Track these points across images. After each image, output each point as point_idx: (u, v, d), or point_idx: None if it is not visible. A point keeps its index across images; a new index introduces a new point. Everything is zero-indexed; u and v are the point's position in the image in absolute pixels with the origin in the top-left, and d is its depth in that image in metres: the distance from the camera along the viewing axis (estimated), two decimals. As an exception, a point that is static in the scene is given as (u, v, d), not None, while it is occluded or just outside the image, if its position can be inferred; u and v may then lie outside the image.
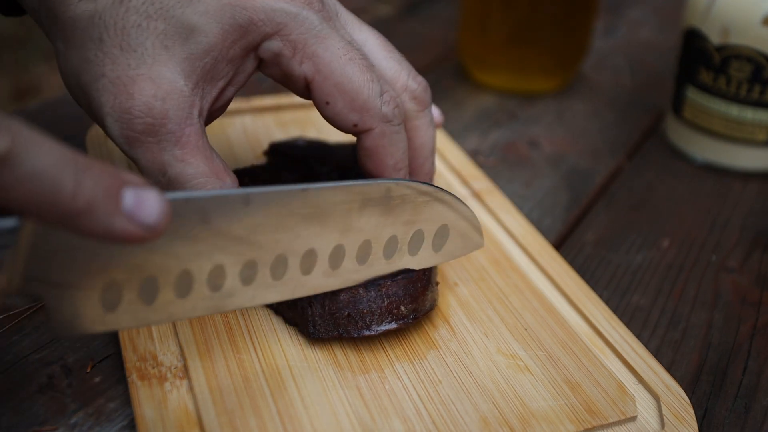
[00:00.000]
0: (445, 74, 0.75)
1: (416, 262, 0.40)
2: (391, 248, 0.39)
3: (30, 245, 0.27)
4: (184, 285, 0.33)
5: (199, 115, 0.36)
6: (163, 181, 0.35)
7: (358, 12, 0.88)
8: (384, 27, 0.87)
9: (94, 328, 0.31)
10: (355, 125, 0.39)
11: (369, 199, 0.36)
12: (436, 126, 0.44)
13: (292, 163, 0.47)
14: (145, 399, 0.35)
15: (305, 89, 0.39)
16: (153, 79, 0.35)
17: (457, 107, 0.70)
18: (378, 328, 0.39)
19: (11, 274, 0.26)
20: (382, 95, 0.39)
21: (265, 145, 0.51)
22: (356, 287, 0.39)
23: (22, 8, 0.40)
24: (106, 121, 0.35)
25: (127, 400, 0.37)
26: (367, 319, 0.38)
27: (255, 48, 0.37)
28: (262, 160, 0.48)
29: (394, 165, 0.40)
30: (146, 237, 0.27)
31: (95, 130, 0.54)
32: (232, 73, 0.38)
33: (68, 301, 0.29)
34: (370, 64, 0.39)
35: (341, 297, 0.38)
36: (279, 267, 0.35)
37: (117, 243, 0.27)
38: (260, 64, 0.39)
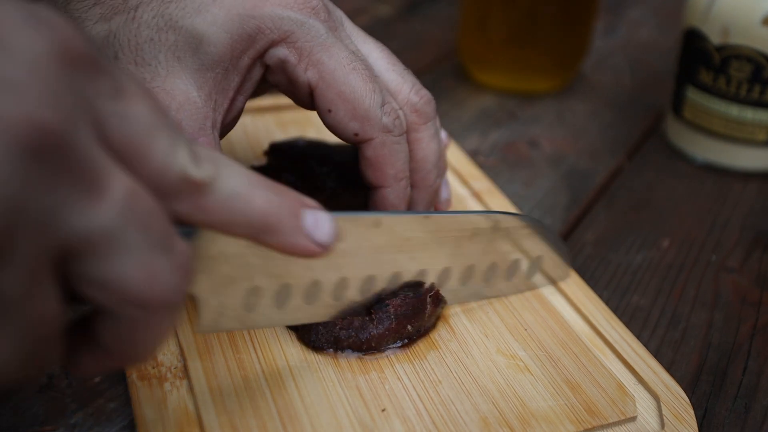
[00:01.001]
0: (445, 74, 0.75)
1: (509, 289, 0.43)
2: (491, 273, 0.42)
3: (195, 253, 0.30)
4: (313, 293, 0.36)
5: (213, 126, 0.37)
6: None
7: (358, 12, 0.87)
8: (384, 27, 0.87)
9: (235, 326, 0.35)
10: (356, 134, 0.39)
11: (478, 229, 0.40)
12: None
13: (291, 164, 0.47)
14: (145, 399, 0.35)
15: (309, 97, 0.39)
16: (167, 91, 0.36)
17: (457, 107, 0.70)
18: (384, 347, 0.39)
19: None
20: (383, 106, 0.39)
21: (265, 146, 0.51)
22: (361, 316, 0.39)
23: None
24: None
25: (127, 400, 0.37)
26: (372, 343, 0.38)
27: (261, 55, 0.38)
28: (262, 160, 0.48)
29: (394, 175, 0.40)
30: (321, 253, 0.30)
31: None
32: (240, 81, 0.38)
33: (215, 301, 0.33)
34: (374, 75, 0.39)
35: (345, 322, 0.38)
36: (394, 281, 0.39)
37: (296, 256, 0.30)
38: (265, 72, 0.39)
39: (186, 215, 0.27)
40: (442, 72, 0.76)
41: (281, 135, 0.57)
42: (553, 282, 0.45)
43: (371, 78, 0.39)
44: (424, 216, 0.38)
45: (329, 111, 0.39)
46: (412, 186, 0.42)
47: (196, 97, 0.36)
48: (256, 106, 0.60)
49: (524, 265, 0.43)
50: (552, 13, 0.69)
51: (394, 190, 0.41)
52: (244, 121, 0.58)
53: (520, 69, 0.72)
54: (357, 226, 0.36)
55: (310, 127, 0.59)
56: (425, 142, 0.42)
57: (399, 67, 0.43)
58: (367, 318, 0.38)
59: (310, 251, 0.30)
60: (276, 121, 0.59)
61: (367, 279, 0.38)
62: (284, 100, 0.61)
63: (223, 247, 0.31)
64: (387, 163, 0.40)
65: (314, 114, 0.60)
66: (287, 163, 0.47)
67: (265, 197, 0.28)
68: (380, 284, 0.39)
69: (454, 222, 0.39)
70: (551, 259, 0.44)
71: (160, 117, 0.25)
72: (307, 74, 0.38)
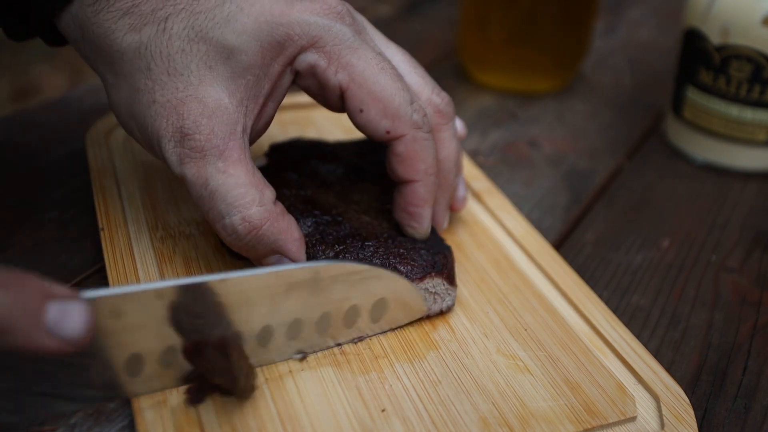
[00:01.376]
0: (445, 74, 0.75)
1: (354, 333, 0.40)
2: (324, 323, 0.38)
3: None
4: (168, 359, 0.35)
5: (243, 131, 0.38)
6: (205, 194, 0.37)
7: (359, 12, 0.88)
8: (384, 27, 0.87)
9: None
10: (388, 132, 0.40)
11: (294, 283, 0.36)
12: (459, 137, 0.46)
13: (293, 164, 0.47)
14: (145, 399, 0.35)
15: (339, 99, 0.40)
16: (200, 99, 0.37)
17: (457, 107, 0.70)
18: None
19: None
20: (412, 104, 0.40)
21: (265, 146, 0.51)
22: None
23: (65, 39, 0.41)
24: (162, 143, 0.37)
25: (127, 400, 0.37)
26: None
27: (291, 62, 0.39)
28: (263, 161, 0.48)
29: (425, 170, 0.41)
30: (69, 349, 0.28)
31: (95, 130, 0.54)
32: (270, 88, 0.39)
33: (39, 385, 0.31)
34: (400, 74, 0.40)
35: None
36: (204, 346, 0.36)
37: (46, 355, 0.27)
38: (295, 77, 0.40)
39: None
40: (442, 72, 0.76)
41: (281, 135, 0.57)
42: (409, 320, 0.41)
43: (399, 77, 0.40)
44: (219, 280, 0.34)
45: (361, 111, 0.39)
46: None
47: (227, 104, 0.37)
48: (256, 106, 0.60)
49: (365, 310, 0.39)
50: (552, 13, 0.69)
51: (424, 184, 0.41)
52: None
53: (520, 69, 0.72)
54: (136, 302, 0.32)
55: (310, 126, 0.59)
56: (447, 141, 0.44)
57: (420, 69, 0.44)
58: None
59: (52, 350, 0.28)
60: (276, 121, 0.59)
61: (167, 350, 0.34)
62: (284, 100, 0.61)
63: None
64: (418, 158, 0.41)
65: (314, 114, 0.60)
66: (288, 163, 0.47)
67: None
68: (180, 357, 0.35)
69: (257, 281, 0.35)
70: (399, 298, 0.40)
71: None
72: (337, 77, 0.39)
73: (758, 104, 0.58)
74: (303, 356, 0.38)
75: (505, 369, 0.39)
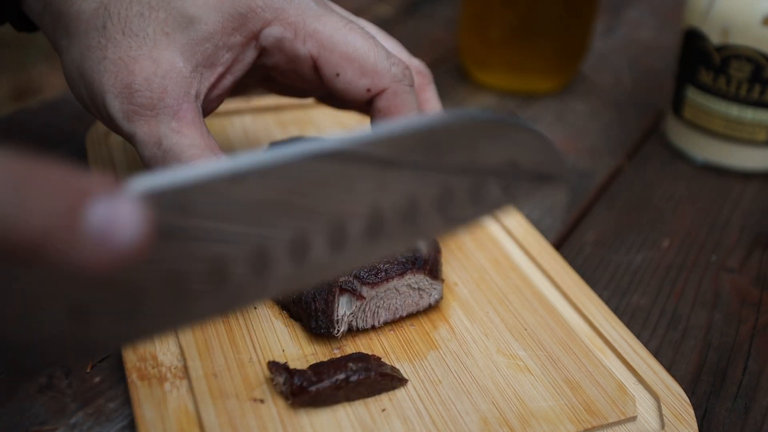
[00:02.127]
0: (445, 74, 0.75)
1: (486, 211, 0.30)
2: (446, 201, 0.29)
3: None
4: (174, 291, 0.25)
5: (196, 96, 0.37)
6: (159, 153, 0.36)
7: (358, 12, 0.88)
8: (384, 27, 0.87)
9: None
10: (369, 89, 0.39)
11: (404, 146, 0.27)
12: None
13: None
14: (145, 399, 0.35)
15: (312, 69, 0.39)
16: (153, 59, 0.36)
17: (457, 107, 0.70)
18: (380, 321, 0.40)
19: None
20: (389, 58, 0.39)
21: (265, 145, 0.51)
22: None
23: (34, 24, 0.41)
24: (107, 98, 0.36)
25: (127, 400, 0.37)
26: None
27: (256, 36, 0.38)
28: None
29: None
30: (121, 264, 0.20)
31: (95, 130, 0.54)
32: (231, 60, 0.38)
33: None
34: (371, 34, 0.40)
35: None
36: (301, 250, 0.27)
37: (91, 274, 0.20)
38: (262, 55, 0.39)
39: None
40: (442, 72, 0.76)
41: (281, 134, 0.57)
42: (553, 192, 0.30)
43: (370, 35, 0.39)
44: (313, 156, 0.25)
45: (337, 75, 0.39)
46: None
47: (182, 67, 0.37)
48: (256, 106, 0.60)
49: (494, 179, 0.29)
50: (552, 13, 0.69)
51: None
52: (244, 120, 0.58)
53: (520, 69, 0.72)
54: (207, 191, 0.23)
55: (310, 126, 0.59)
56: (432, 102, 0.44)
57: (392, 39, 0.44)
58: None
59: (102, 266, 0.20)
60: (276, 121, 0.59)
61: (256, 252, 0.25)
62: (284, 100, 0.61)
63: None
64: (401, 112, 0.40)
65: (314, 114, 0.60)
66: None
67: (16, 198, 0.18)
68: (280, 256, 0.25)
69: (360, 150, 0.26)
70: (534, 159, 0.30)
71: None
72: (306, 46, 0.38)
73: (758, 104, 0.58)
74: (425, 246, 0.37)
75: (506, 369, 0.39)
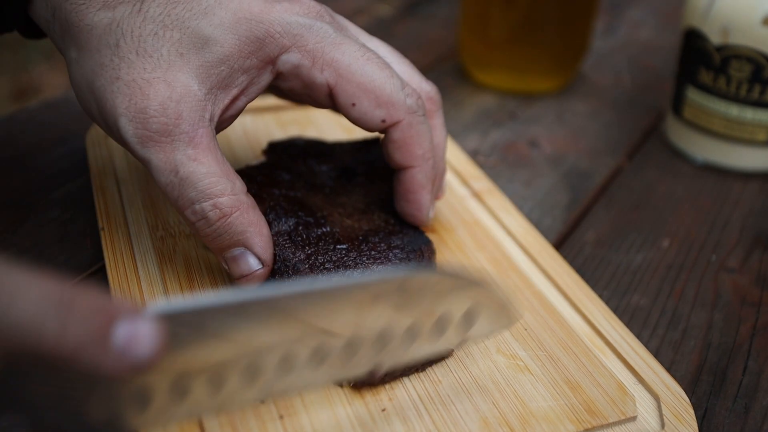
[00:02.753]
0: (445, 74, 0.75)
1: (442, 345, 0.35)
2: (411, 336, 0.34)
3: None
4: (180, 389, 0.29)
5: (211, 119, 0.37)
6: (175, 181, 0.36)
7: (358, 12, 0.87)
8: (384, 27, 0.87)
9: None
10: (383, 120, 0.39)
11: (381, 294, 0.32)
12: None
13: (290, 162, 0.47)
14: (145, 399, 0.35)
15: (327, 97, 0.40)
16: (168, 82, 0.36)
17: (457, 107, 0.70)
18: None
19: None
20: (403, 88, 0.40)
21: (264, 145, 0.51)
22: None
23: (41, 32, 0.41)
24: (120, 122, 0.36)
25: (127, 400, 0.37)
26: None
27: (273, 61, 0.38)
28: (261, 159, 0.48)
29: (422, 155, 0.41)
30: (140, 371, 0.25)
31: (95, 130, 0.54)
32: (246, 83, 0.38)
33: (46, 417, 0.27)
34: (387, 63, 0.40)
35: None
36: (285, 366, 0.31)
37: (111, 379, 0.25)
38: (278, 78, 0.39)
39: None
40: (442, 72, 0.76)
41: (281, 134, 0.57)
42: (502, 329, 0.36)
43: (387, 65, 0.40)
44: (302, 294, 0.30)
45: (353, 105, 0.39)
46: None
47: (196, 90, 0.36)
48: (256, 106, 0.60)
49: (454, 321, 0.34)
50: (552, 13, 0.69)
51: (422, 170, 0.41)
52: (244, 120, 0.58)
53: (520, 69, 0.72)
54: (215, 317, 0.28)
55: (309, 126, 0.59)
56: (439, 128, 0.44)
57: (405, 61, 0.44)
58: None
59: (122, 372, 0.25)
60: (276, 121, 0.59)
61: (250, 366, 0.30)
62: (284, 100, 0.61)
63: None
64: (415, 143, 0.40)
65: (314, 114, 0.60)
66: (286, 162, 0.47)
67: (57, 320, 0.23)
68: (269, 368, 0.30)
69: (344, 294, 0.31)
70: (489, 306, 0.35)
71: None
72: (324, 74, 0.38)
73: (758, 104, 0.58)
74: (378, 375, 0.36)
75: (506, 369, 0.39)
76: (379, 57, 0.40)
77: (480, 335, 0.36)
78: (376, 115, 0.39)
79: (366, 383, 0.36)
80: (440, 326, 0.35)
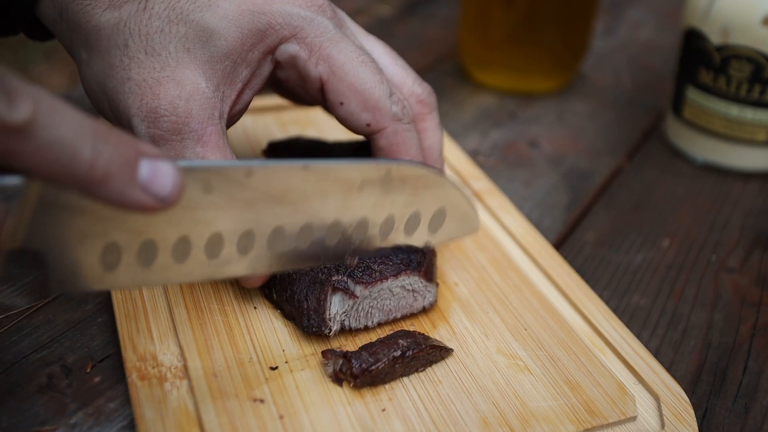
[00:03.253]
0: (445, 74, 0.75)
1: (412, 241, 0.40)
2: (387, 227, 0.38)
3: (34, 202, 0.27)
4: (182, 251, 0.33)
5: (220, 117, 0.38)
6: None
7: (358, 12, 0.87)
8: (384, 27, 0.87)
9: (93, 286, 0.31)
10: (369, 125, 0.40)
11: (368, 179, 0.36)
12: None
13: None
14: (145, 399, 0.35)
15: (319, 91, 0.40)
16: (177, 81, 0.37)
17: (457, 107, 0.70)
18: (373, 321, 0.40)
19: (16, 227, 0.27)
20: (391, 96, 0.40)
21: (264, 145, 0.51)
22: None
23: (48, 32, 0.41)
24: (133, 122, 0.37)
25: (127, 400, 0.37)
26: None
27: (272, 51, 0.39)
28: (261, 157, 0.48)
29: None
30: (160, 208, 0.28)
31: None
32: (249, 75, 0.39)
33: (69, 258, 0.30)
34: (380, 68, 0.41)
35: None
36: (276, 239, 0.35)
37: (132, 212, 0.27)
38: (275, 67, 0.40)
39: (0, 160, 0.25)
40: (442, 72, 0.76)
41: (281, 134, 0.57)
42: (464, 234, 0.41)
43: (379, 70, 0.40)
44: (302, 166, 0.34)
45: (341, 103, 0.40)
46: None
47: (204, 88, 0.37)
48: (257, 106, 0.60)
49: (425, 218, 0.39)
50: (552, 13, 0.69)
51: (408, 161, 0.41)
52: (245, 120, 0.58)
53: (520, 69, 0.72)
54: (225, 177, 0.32)
55: (309, 126, 0.59)
56: (431, 131, 0.44)
57: (401, 62, 0.44)
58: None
59: (145, 206, 0.27)
60: (276, 121, 0.59)
61: (245, 234, 0.34)
62: (284, 100, 0.61)
63: (68, 199, 0.28)
64: (401, 151, 0.41)
65: (314, 114, 0.60)
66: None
67: (92, 146, 0.26)
68: (260, 240, 0.35)
69: (337, 172, 0.35)
70: (456, 211, 0.40)
71: None
72: (318, 68, 0.39)
73: (758, 104, 0.58)
74: (356, 260, 0.38)
75: (506, 369, 0.39)
76: (373, 61, 0.40)
77: (443, 237, 0.40)
78: (362, 117, 0.40)
79: (364, 379, 0.36)
80: (413, 221, 0.39)
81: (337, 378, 0.37)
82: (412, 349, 0.37)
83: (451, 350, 0.39)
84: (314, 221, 0.36)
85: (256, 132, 0.57)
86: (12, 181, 0.26)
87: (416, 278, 0.40)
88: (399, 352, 0.37)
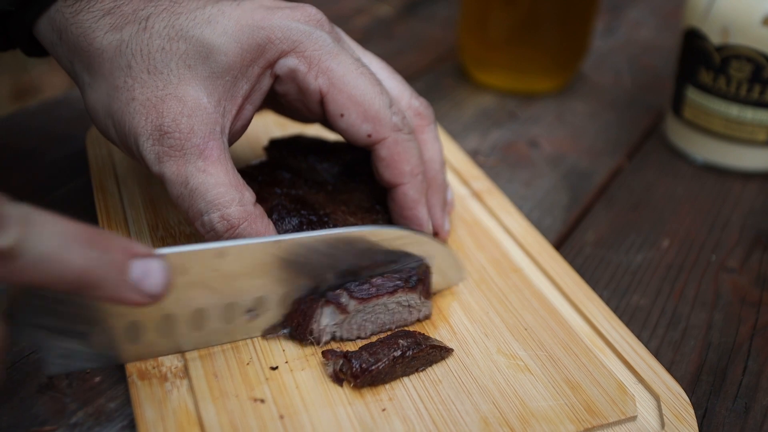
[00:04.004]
0: (445, 74, 0.75)
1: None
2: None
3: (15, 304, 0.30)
4: (166, 327, 0.36)
5: (222, 132, 0.38)
6: (185, 192, 0.37)
7: (358, 12, 0.87)
8: (384, 27, 0.87)
9: (89, 365, 0.36)
10: (369, 135, 0.40)
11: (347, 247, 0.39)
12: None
13: (291, 160, 0.47)
14: (145, 399, 0.35)
15: (319, 104, 0.40)
16: (179, 98, 0.37)
17: (457, 107, 0.70)
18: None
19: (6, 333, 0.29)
20: (391, 107, 0.40)
21: (265, 143, 0.51)
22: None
23: (44, 50, 0.42)
24: (140, 141, 0.37)
25: (127, 400, 0.37)
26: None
27: (271, 65, 0.39)
28: (262, 157, 0.48)
29: (410, 171, 0.41)
30: (150, 303, 0.30)
31: (95, 130, 0.54)
32: (249, 90, 0.39)
33: (61, 344, 0.33)
34: (378, 79, 0.41)
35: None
36: (259, 307, 0.38)
37: (124, 306, 0.30)
38: (275, 82, 0.40)
39: None
40: (442, 72, 0.76)
41: (281, 134, 0.57)
42: (449, 286, 0.43)
43: (378, 81, 0.41)
44: (274, 241, 0.36)
45: (342, 115, 0.40)
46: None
47: (206, 104, 0.37)
48: (256, 106, 0.60)
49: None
50: (552, 13, 0.69)
51: (412, 186, 0.42)
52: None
53: (520, 69, 0.72)
54: (199, 258, 0.35)
55: (309, 126, 0.59)
56: (430, 143, 0.44)
57: (397, 76, 0.45)
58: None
59: (137, 303, 0.30)
60: (276, 121, 0.59)
61: (227, 306, 0.37)
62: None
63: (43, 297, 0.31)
64: (402, 160, 0.41)
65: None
66: (287, 160, 0.47)
67: (81, 255, 0.28)
68: (241, 310, 0.38)
69: (307, 242, 0.37)
70: (442, 265, 0.42)
71: None
72: (318, 81, 0.39)
73: (758, 104, 0.58)
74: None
75: (506, 369, 0.39)
76: (371, 73, 0.41)
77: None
78: (363, 129, 0.40)
79: (366, 381, 0.36)
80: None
81: (337, 378, 0.37)
82: (413, 349, 0.37)
83: (451, 350, 0.39)
84: (292, 289, 0.38)
85: (257, 132, 0.57)
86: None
87: (414, 295, 0.40)
88: (399, 352, 0.37)
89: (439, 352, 0.38)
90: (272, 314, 0.38)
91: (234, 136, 0.40)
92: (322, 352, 0.37)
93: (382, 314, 0.40)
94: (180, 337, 0.37)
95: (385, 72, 0.44)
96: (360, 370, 0.36)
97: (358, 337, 0.40)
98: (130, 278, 0.29)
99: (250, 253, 0.36)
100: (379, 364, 0.36)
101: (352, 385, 0.36)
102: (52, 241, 0.27)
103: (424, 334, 0.39)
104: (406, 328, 0.40)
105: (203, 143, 0.37)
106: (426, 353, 0.38)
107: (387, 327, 0.40)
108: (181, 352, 0.37)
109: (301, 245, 0.37)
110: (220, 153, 0.37)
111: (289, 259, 0.37)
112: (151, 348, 0.36)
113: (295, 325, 0.39)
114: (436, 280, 0.42)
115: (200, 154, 0.37)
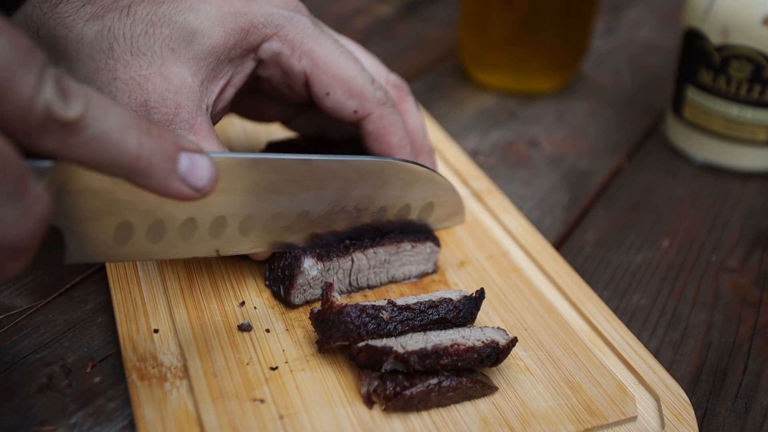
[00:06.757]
0: (445, 74, 0.75)
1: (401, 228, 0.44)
2: (378, 215, 0.42)
3: (57, 183, 0.30)
4: (188, 230, 0.36)
5: (207, 109, 0.39)
6: None
7: (358, 12, 0.87)
8: (384, 27, 0.87)
9: (105, 257, 0.35)
10: (356, 111, 0.42)
11: (364, 174, 0.40)
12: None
13: None
14: (145, 399, 0.35)
15: (303, 86, 0.42)
16: (164, 76, 0.38)
17: (457, 107, 0.70)
18: None
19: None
20: (373, 82, 0.42)
21: (264, 145, 0.51)
22: None
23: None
24: None
25: (127, 400, 0.37)
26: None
27: (255, 49, 0.40)
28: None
29: (398, 143, 0.43)
30: (197, 197, 0.30)
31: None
32: (232, 73, 0.40)
33: (84, 233, 0.33)
34: (357, 58, 0.43)
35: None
36: (275, 222, 0.39)
37: (171, 199, 0.30)
38: (259, 66, 0.41)
39: (52, 152, 0.26)
40: (442, 72, 0.76)
41: (281, 135, 0.57)
42: (449, 226, 0.46)
43: (357, 60, 0.42)
44: (304, 160, 0.37)
45: (327, 94, 0.41)
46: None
47: (191, 82, 0.38)
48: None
49: (415, 209, 0.43)
50: (552, 13, 0.69)
51: (402, 157, 0.43)
52: (245, 121, 0.58)
53: (520, 69, 0.72)
54: (233, 165, 0.35)
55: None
56: (411, 113, 0.46)
57: (371, 55, 0.47)
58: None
59: (184, 195, 0.30)
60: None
61: (246, 218, 0.38)
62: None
63: (87, 182, 0.31)
64: (390, 133, 0.43)
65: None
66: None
67: (137, 140, 0.28)
68: (258, 224, 0.38)
69: (336, 166, 0.39)
70: (444, 204, 0.44)
71: (24, 53, 0.25)
72: (301, 63, 0.41)
73: (758, 104, 0.58)
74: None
75: (506, 369, 0.39)
76: (350, 52, 0.42)
77: (433, 227, 0.45)
78: (349, 105, 0.42)
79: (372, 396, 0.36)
80: (404, 211, 0.43)
81: (369, 399, 0.36)
82: (451, 380, 0.36)
83: (496, 388, 0.37)
84: (311, 209, 0.39)
85: (256, 132, 0.57)
86: (44, 164, 0.28)
87: (430, 244, 0.44)
88: (436, 381, 0.35)
89: (481, 389, 0.37)
90: (257, 235, 0.39)
91: (215, 117, 0.41)
92: (359, 372, 0.36)
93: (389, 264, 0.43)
94: (197, 242, 0.37)
95: (360, 52, 0.46)
96: (393, 393, 0.35)
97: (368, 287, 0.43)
98: (179, 169, 0.29)
99: (279, 167, 0.37)
100: (413, 389, 0.35)
101: (383, 408, 0.35)
102: (114, 122, 0.27)
103: (471, 369, 0.37)
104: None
105: (192, 118, 0.38)
106: (465, 387, 0.36)
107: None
108: (195, 256, 0.38)
109: (327, 168, 0.38)
110: (208, 128, 0.38)
111: (310, 181, 0.38)
112: (169, 250, 0.37)
113: (281, 282, 0.41)
114: (439, 214, 0.44)
115: (190, 128, 0.38)
